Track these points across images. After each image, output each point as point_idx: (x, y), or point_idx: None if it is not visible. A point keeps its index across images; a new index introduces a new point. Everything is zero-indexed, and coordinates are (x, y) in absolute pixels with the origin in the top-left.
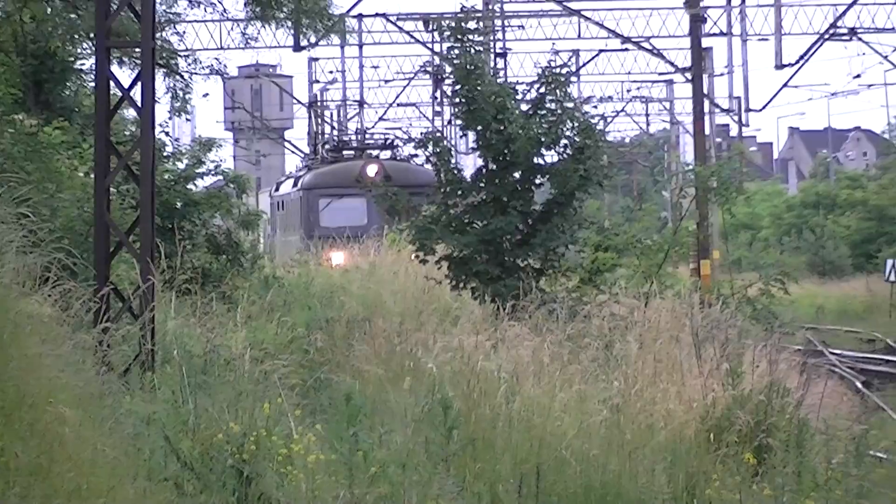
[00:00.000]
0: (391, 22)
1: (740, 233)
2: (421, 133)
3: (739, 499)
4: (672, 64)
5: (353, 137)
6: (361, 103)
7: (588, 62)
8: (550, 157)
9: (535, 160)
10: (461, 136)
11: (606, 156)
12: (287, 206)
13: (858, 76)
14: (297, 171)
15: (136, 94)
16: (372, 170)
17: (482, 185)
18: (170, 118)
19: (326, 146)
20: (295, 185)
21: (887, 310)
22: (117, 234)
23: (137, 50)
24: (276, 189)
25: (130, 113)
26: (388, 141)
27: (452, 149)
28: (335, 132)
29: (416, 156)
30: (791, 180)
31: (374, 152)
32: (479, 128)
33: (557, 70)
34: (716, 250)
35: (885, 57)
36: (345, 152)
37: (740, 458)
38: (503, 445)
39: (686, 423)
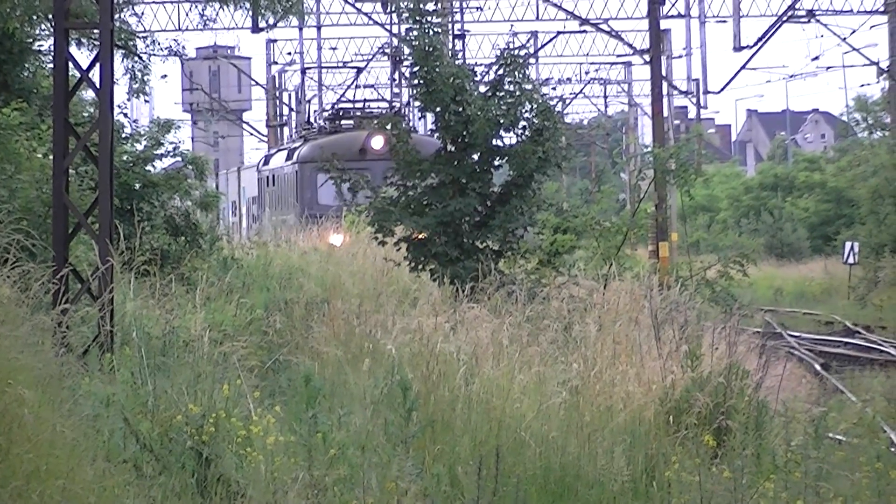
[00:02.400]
0: (349, 3)
1: (698, 215)
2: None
3: (699, 481)
4: (630, 46)
5: (353, 105)
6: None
7: (546, 44)
8: (509, 138)
9: (494, 142)
10: (420, 118)
11: (565, 138)
12: (279, 182)
13: (817, 58)
14: (290, 141)
15: (95, 75)
16: (377, 141)
17: (441, 166)
18: (128, 99)
19: (325, 114)
20: (289, 157)
21: (845, 292)
22: (76, 215)
23: (96, 31)
24: (265, 162)
25: (89, 94)
26: (394, 109)
27: (411, 130)
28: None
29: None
30: (749, 162)
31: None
32: (438, 109)
33: (516, 52)
34: (674, 232)
35: (844, 39)
36: (344, 122)
37: (699, 440)
38: (462, 427)
39: (645, 405)
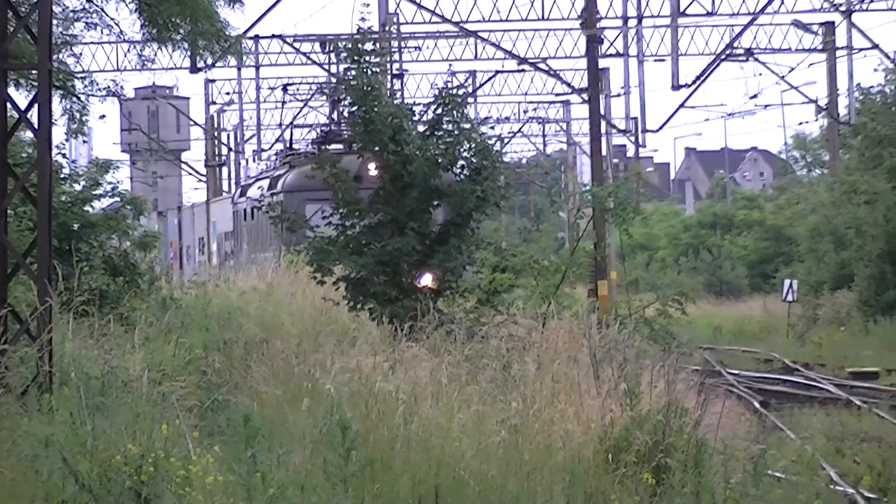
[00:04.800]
0: (287, 43)
1: (637, 253)
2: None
3: None
4: (569, 85)
5: (345, 128)
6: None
7: (485, 83)
8: (448, 177)
9: (433, 181)
10: (358, 158)
11: (503, 177)
12: (259, 215)
13: (755, 96)
14: (272, 169)
15: (33, 116)
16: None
17: (379, 206)
18: (66, 140)
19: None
20: (272, 187)
21: (784, 329)
22: (14, 255)
23: (34, 72)
24: (242, 194)
25: (27, 135)
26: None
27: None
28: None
29: None
30: (688, 200)
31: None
32: (377, 149)
33: (454, 91)
34: (613, 271)
35: (782, 77)
36: (333, 146)
37: (639, 479)
38: (401, 466)
39: (584, 444)
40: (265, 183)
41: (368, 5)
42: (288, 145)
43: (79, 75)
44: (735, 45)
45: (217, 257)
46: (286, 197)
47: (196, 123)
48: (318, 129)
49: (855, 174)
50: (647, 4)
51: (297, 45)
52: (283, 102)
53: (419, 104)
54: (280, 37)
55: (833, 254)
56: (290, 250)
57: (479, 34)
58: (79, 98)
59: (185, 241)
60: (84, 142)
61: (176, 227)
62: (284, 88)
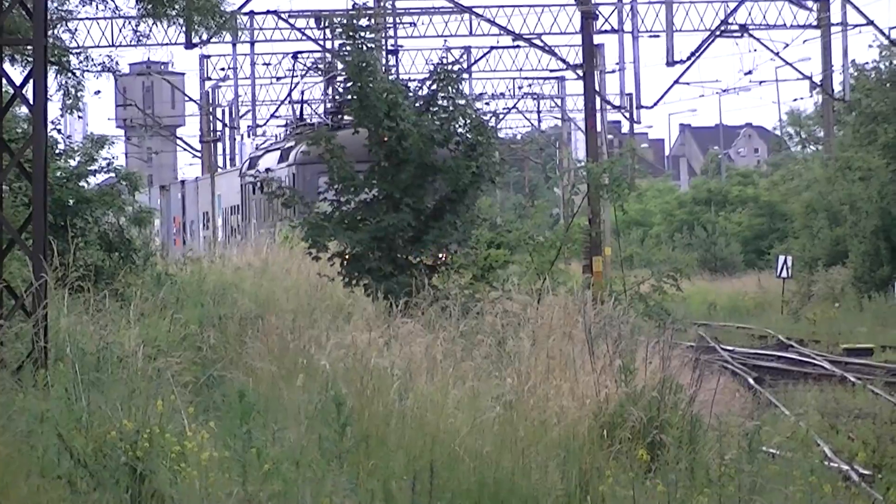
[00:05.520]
0: (283, 19)
1: (632, 229)
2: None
3: (633, 495)
4: (563, 61)
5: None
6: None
7: (480, 59)
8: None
9: (428, 157)
10: (353, 133)
11: (498, 153)
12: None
13: (749, 72)
14: (282, 140)
15: (29, 91)
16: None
17: (374, 182)
18: (62, 115)
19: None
20: (282, 159)
21: (779, 306)
22: (10, 231)
23: (29, 48)
24: (251, 166)
25: (22, 110)
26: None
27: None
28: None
29: None
30: (682, 177)
31: None
32: (371, 125)
33: (449, 67)
34: (607, 247)
35: (777, 53)
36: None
37: (633, 455)
38: (396, 442)
39: (579, 420)
40: (275, 155)
41: None
42: (298, 116)
43: (74, 51)
44: (730, 20)
45: (223, 232)
46: (298, 170)
47: (191, 99)
48: (333, 101)
49: (849, 150)
50: None
51: (292, 20)
52: (293, 72)
53: (414, 80)
54: (275, 12)
55: (827, 230)
56: (288, 225)
57: (474, 10)
58: (74, 74)
59: (188, 217)
60: (79, 117)
61: (179, 201)
62: (295, 56)
